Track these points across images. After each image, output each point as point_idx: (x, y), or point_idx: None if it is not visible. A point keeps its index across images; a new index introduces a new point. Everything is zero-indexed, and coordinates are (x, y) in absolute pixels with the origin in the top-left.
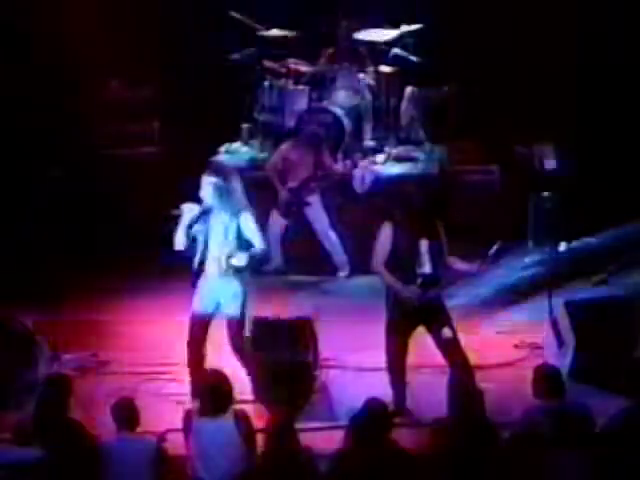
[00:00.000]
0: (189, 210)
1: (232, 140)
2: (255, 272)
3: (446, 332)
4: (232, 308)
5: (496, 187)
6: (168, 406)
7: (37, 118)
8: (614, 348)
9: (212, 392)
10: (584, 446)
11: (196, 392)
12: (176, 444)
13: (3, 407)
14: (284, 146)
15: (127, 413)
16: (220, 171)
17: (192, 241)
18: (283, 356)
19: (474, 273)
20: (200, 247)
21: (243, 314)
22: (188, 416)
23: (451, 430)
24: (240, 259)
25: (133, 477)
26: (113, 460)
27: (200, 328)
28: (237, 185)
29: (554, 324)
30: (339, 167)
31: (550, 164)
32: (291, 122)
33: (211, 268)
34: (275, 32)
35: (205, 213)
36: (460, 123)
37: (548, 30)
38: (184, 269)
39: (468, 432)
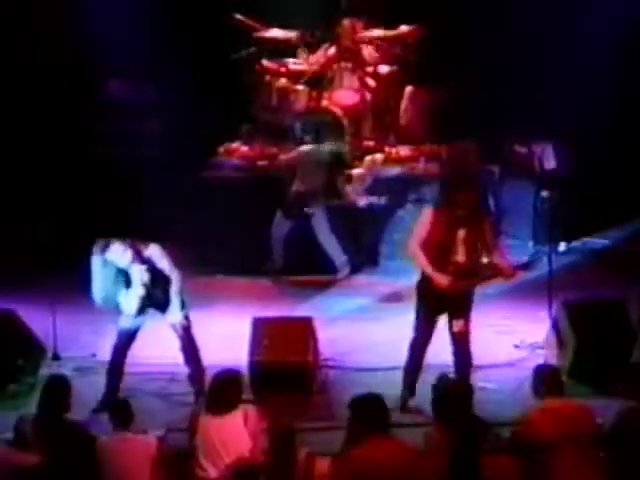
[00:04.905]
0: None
1: (232, 140)
2: (255, 272)
3: (459, 324)
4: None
5: (496, 187)
6: (168, 406)
7: (37, 118)
8: (614, 348)
9: (223, 390)
10: (583, 447)
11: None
12: (176, 444)
13: (3, 407)
14: (304, 149)
15: (121, 412)
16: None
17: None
18: (283, 356)
19: (510, 273)
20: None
21: (186, 316)
22: (195, 416)
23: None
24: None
25: (132, 477)
26: (112, 460)
27: (127, 339)
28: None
29: (554, 324)
30: (350, 192)
31: (550, 164)
32: (291, 122)
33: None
34: (275, 32)
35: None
36: (460, 123)
37: (548, 30)
38: (183, 270)
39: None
